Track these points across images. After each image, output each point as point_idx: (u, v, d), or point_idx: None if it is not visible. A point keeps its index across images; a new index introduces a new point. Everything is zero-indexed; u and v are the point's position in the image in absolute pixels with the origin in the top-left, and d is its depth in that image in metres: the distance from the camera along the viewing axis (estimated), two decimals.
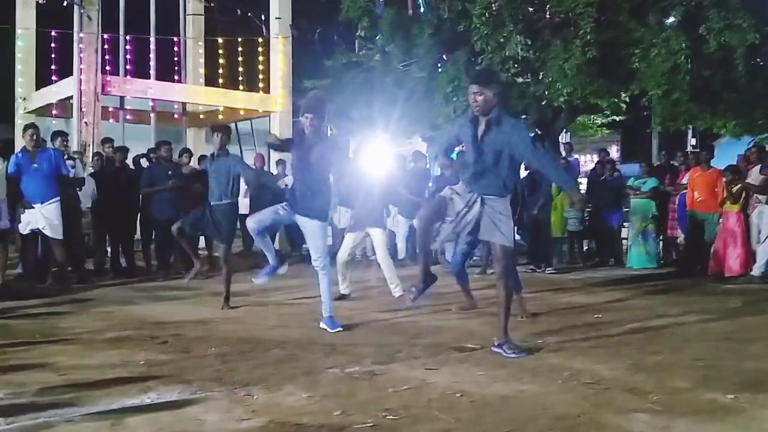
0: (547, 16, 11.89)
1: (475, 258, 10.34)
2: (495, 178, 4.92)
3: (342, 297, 7.46)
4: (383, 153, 13.62)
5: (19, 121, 13.48)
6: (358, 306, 7.06)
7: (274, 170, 13.01)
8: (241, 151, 15.48)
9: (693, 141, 20.88)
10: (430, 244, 5.25)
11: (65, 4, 11.85)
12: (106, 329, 5.90)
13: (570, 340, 5.41)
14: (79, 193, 9.12)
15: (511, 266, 6.35)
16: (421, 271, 5.14)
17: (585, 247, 12.24)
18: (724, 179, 9.54)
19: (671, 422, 3.43)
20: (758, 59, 10.91)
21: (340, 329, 5.78)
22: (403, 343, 5.29)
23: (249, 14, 14.12)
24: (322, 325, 5.85)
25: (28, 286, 8.15)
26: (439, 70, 12.87)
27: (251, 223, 5.99)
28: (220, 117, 14.82)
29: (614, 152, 23.65)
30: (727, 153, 11.29)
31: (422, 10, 12.62)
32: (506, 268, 5.01)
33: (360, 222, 7.72)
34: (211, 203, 7.15)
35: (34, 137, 8.10)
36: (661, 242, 11.36)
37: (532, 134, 14.68)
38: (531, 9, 11.74)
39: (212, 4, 15.00)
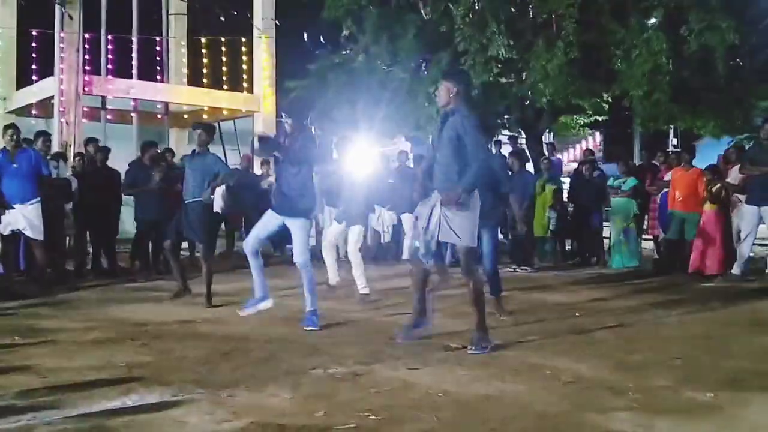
0: (530, 17, 11.96)
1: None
2: (451, 171, 4.99)
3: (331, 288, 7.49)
4: (366, 152, 13.64)
5: (0, 122, 13.35)
6: (340, 306, 7.05)
7: (258, 170, 12.97)
8: (224, 151, 15.41)
9: (674, 141, 21.08)
10: (423, 289, 5.31)
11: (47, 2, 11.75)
12: (87, 331, 5.85)
13: (551, 339, 5.45)
14: (59, 193, 9.01)
15: (490, 272, 6.45)
16: (413, 309, 5.27)
17: (567, 247, 12.29)
18: (704, 179, 9.64)
19: (651, 421, 3.47)
20: (738, 60, 11.04)
21: (316, 329, 5.80)
22: (386, 343, 5.30)
23: (235, 12, 14.05)
24: (304, 325, 5.87)
25: (8, 287, 8.04)
26: (424, 72, 12.91)
27: (248, 246, 6.05)
28: (204, 117, 14.76)
29: (597, 152, 23.80)
30: (708, 153, 11.41)
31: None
32: (469, 266, 5.05)
33: (342, 217, 7.76)
34: (185, 201, 7.11)
35: (14, 137, 8.01)
36: (641, 241, 11.44)
37: (512, 134, 14.81)
38: (514, 10, 11.81)
39: (197, 5, 14.93)
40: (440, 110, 5.26)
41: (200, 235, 7.12)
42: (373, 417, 3.50)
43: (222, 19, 14.89)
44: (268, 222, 6.04)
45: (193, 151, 7.33)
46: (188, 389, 4.01)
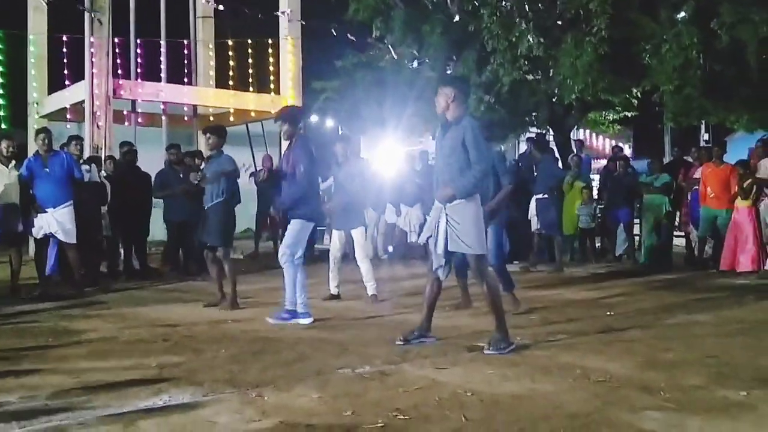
0: (558, 13, 11.86)
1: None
2: (455, 180, 4.94)
3: (332, 297, 7.49)
4: (393, 152, 13.68)
5: (33, 126, 13.59)
6: (367, 306, 7.06)
7: None
8: (252, 153, 15.54)
9: (706, 136, 20.74)
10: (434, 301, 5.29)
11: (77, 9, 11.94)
12: (119, 332, 5.93)
13: (581, 338, 5.40)
14: (93, 196, 9.13)
15: (497, 268, 6.43)
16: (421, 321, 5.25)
17: (597, 244, 12.18)
18: (736, 174, 9.48)
19: (684, 420, 3.42)
20: None
21: (278, 323, 6.07)
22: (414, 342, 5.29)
23: (260, 15, 14.12)
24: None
25: (42, 290, 8.19)
26: (448, 71, 12.87)
27: (284, 257, 6.25)
28: (231, 119, 14.87)
29: (627, 149, 23.53)
30: (740, 148, 11.20)
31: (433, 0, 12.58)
32: (480, 272, 5.03)
33: (339, 221, 7.66)
34: (206, 207, 7.16)
35: (46, 141, 8.15)
36: (674, 238, 11.30)
37: (529, 136, 14.74)
38: (541, 6, 11.71)
39: (221, 7, 15.02)
40: (440, 117, 5.18)
41: (219, 238, 7.07)
42: (402, 416, 3.49)
43: (248, 21, 15.01)
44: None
45: (208, 156, 7.38)
46: (218, 389, 4.04)
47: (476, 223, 4.97)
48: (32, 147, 12.71)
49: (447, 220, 4.96)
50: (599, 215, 11.74)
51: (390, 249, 12.48)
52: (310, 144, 6.58)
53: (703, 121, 16.63)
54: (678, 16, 10.74)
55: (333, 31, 14.57)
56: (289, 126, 6.42)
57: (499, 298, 5.15)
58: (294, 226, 6.25)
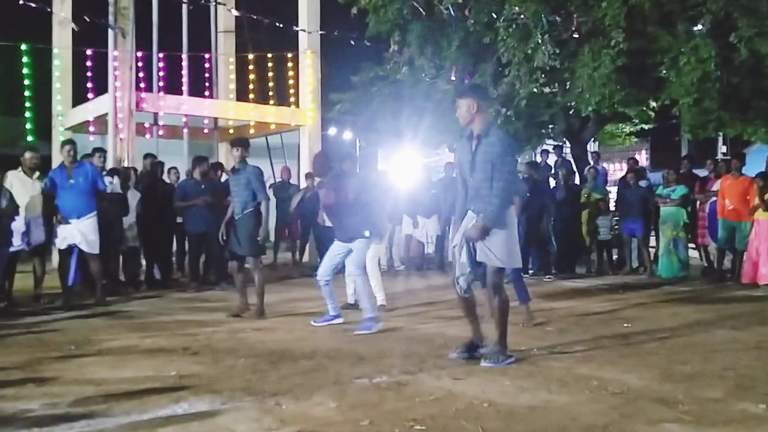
0: (574, 26, 11.88)
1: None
2: (488, 193, 4.90)
3: (349, 306, 7.50)
4: (410, 164, 13.72)
5: (58, 138, 13.78)
6: (384, 315, 7.10)
7: (303, 183, 13.16)
8: (272, 165, 15.66)
9: (723, 148, 20.59)
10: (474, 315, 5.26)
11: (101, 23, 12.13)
12: (140, 340, 6.01)
13: (598, 350, 5.39)
14: (115, 207, 9.25)
15: (513, 278, 6.49)
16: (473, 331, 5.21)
17: (614, 256, 12.13)
18: (755, 186, 9.42)
19: None
20: None
21: (364, 332, 6.25)
22: (430, 352, 5.32)
23: (280, 24, 14.22)
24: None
25: (65, 299, 8.31)
26: (465, 82, 12.92)
27: (322, 277, 6.65)
28: (251, 131, 15.00)
29: (643, 160, 23.43)
30: (758, 160, 11.13)
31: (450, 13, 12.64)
32: (497, 285, 4.99)
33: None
34: (235, 218, 7.28)
35: (71, 153, 8.28)
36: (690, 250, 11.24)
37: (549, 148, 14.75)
38: (558, 19, 11.75)
39: (239, 13, 15.14)
40: (468, 131, 5.07)
41: (249, 248, 7.20)
42: (418, 426, 3.52)
43: (268, 34, 15.15)
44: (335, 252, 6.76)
45: (234, 167, 7.48)
46: (237, 397, 4.10)
47: (508, 236, 4.94)
48: (56, 159, 12.93)
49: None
50: (616, 227, 11.71)
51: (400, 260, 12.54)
52: (356, 177, 6.99)
53: (721, 134, 16.54)
54: (695, 29, 10.72)
55: (351, 41, 14.66)
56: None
57: (507, 313, 5.08)
58: (359, 245, 6.56)
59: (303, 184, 12.95)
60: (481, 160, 4.93)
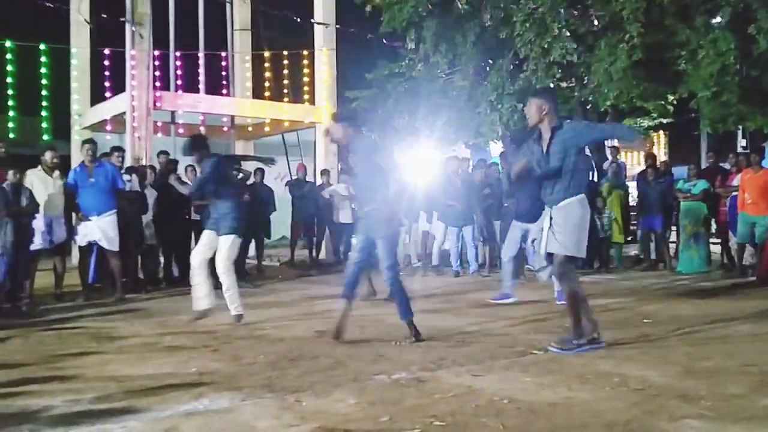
0: (592, 20, 11.80)
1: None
2: (564, 183, 5.12)
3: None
4: (421, 160, 13.65)
5: (76, 137, 13.90)
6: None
7: (318, 179, 13.18)
8: (288, 162, 15.71)
9: (743, 142, 20.36)
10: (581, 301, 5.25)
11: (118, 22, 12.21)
12: (160, 337, 6.06)
13: (619, 346, 5.35)
14: (134, 205, 9.29)
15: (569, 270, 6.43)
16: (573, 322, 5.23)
17: (634, 252, 12.04)
18: None
19: (724, 429, 3.38)
20: None
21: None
22: (449, 349, 5.31)
23: (297, 18, 14.25)
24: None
25: (85, 296, 8.39)
26: (485, 83, 12.85)
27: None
28: (267, 129, 15.05)
29: (662, 155, 23.24)
30: None
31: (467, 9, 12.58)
32: (563, 274, 5.21)
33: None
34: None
35: (91, 152, 8.37)
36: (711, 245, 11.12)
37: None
38: (575, 12, 11.68)
39: (258, 7, 15.16)
40: (536, 133, 5.29)
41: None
42: (438, 423, 3.51)
43: (284, 32, 15.18)
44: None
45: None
46: (257, 394, 4.11)
47: (579, 225, 5.11)
48: (75, 158, 13.05)
49: (551, 223, 5.15)
50: (635, 223, 11.62)
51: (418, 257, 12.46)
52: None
53: (740, 127, 16.36)
54: (714, 21, 10.61)
55: (368, 37, 14.66)
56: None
57: (576, 302, 5.17)
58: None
59: (318, 181, 12.98)
60: (556, 153, 5.11)
